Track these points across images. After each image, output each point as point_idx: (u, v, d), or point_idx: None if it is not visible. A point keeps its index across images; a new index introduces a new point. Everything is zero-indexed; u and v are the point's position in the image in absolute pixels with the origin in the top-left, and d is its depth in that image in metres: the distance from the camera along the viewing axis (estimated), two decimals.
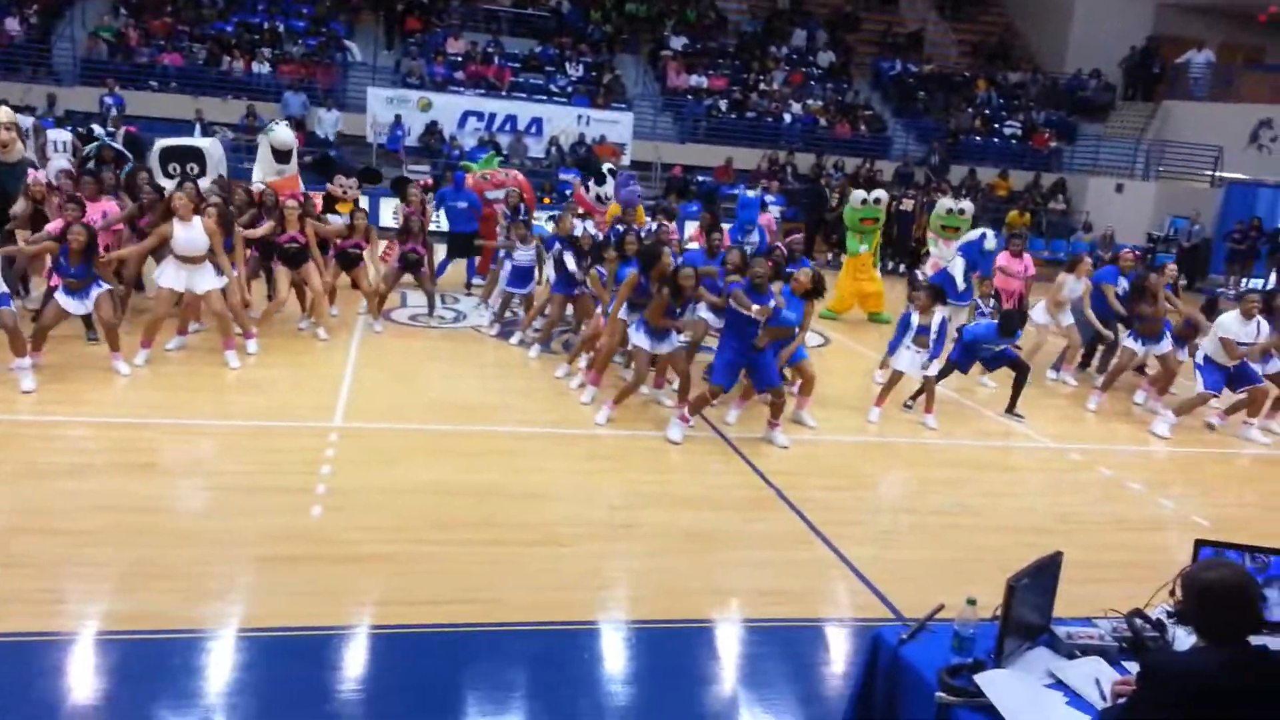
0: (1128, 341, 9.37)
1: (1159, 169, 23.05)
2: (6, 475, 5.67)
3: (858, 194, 13.20)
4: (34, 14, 20.42)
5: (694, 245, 10.20)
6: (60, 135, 11.30)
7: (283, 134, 10.71)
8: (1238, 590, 2.54)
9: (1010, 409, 8.76)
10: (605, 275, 8.62)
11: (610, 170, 12.43)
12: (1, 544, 4.85)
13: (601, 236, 9.48)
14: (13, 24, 19.93)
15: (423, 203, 11.14)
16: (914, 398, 8.54)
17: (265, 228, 9.07)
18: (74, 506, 5.29)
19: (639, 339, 7.50)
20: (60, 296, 7.65)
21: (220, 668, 3.97)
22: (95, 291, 7.71)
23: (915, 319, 8.13)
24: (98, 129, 12.05)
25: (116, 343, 7.79)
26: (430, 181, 14.72)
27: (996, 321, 8.64)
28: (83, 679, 3.85)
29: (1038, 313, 10.16)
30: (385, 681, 4.02)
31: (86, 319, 8.35)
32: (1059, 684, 2.97)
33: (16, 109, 12.66)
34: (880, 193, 13.31)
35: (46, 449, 6.15)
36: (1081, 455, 7.92)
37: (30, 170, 9.29)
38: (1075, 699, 2.91)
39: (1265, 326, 8.46)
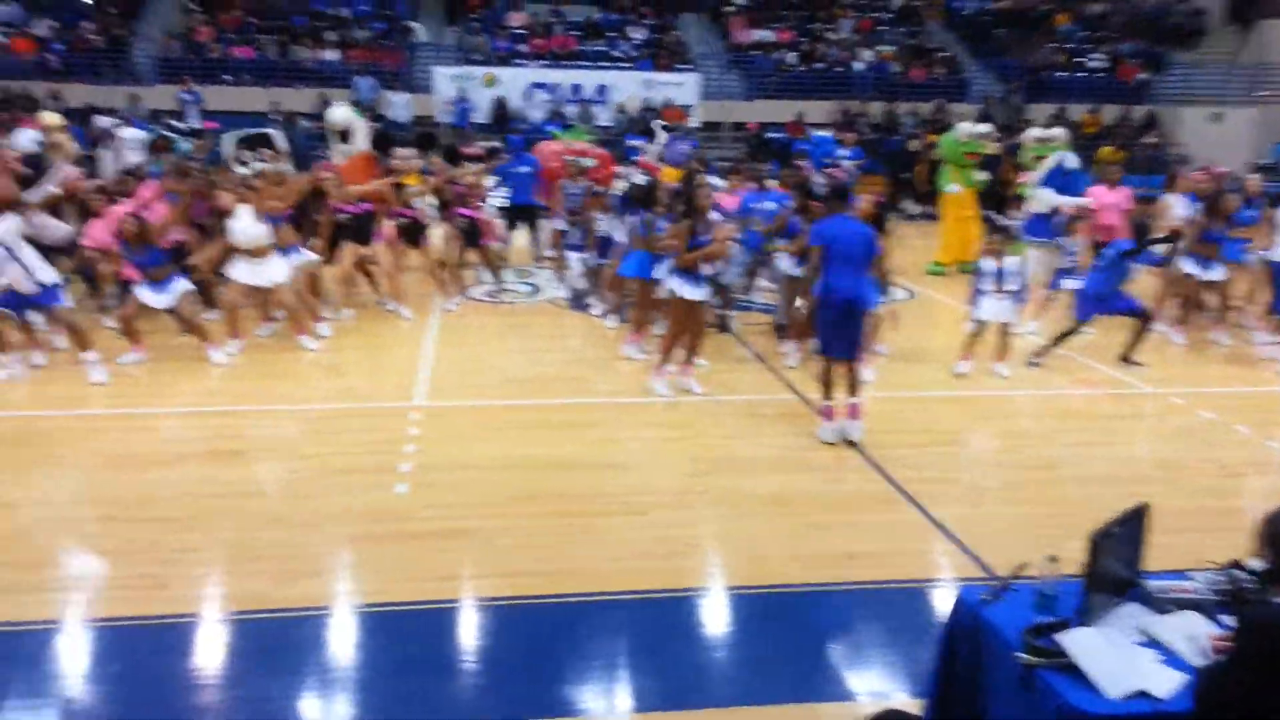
0: (1186, 265, 8.90)
1: (1261, 93, 21.81)
2: (99, 466, 5.93)
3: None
4: (112, 14, 21.09)
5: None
6: (134, 133, 11.62)
7: (334, 114, 10.80)
8: None
9: (1127, 357, 8.25)
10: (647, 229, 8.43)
11: (664, 126, 12.27)
12: (99, 533, 5.08)
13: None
14: (90, 27, 20.62)
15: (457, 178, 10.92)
16: (1039, 354, 8.25)
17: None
18: (165, 495, 5.48)
19: (674, 284, 7.20)
20: (140, 291, 7.68)
21: (314, 645, 4.08)
22: (178, 284, 7.76)
23: (993, 264, 7.90)
24: (174, 126, 12.40)
25: (205, 334, 8.00)
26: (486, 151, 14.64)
27: (1123, 249, 7.97)
28: (190, 659, 3.98)
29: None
30: (471, 654, 4.08)
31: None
32: (1151, 641, 2.84)
33: (98, 111, 13.04)
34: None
35: (137, 440, 6.38)
36: (1183, 400, 7.58)
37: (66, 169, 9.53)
38: (1170, 656, 2.77)
39: None
